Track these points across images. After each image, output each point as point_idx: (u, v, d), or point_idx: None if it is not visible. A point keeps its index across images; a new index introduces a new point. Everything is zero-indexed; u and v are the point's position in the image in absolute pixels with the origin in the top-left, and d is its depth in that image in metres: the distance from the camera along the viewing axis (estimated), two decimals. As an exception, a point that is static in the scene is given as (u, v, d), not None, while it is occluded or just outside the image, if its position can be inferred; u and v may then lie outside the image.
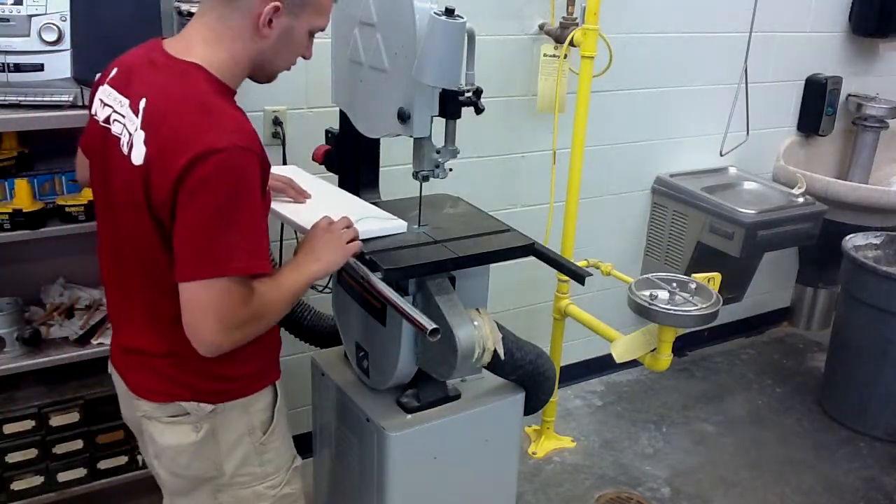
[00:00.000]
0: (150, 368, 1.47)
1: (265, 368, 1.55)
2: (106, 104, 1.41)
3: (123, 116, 1.35)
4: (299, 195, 1.81)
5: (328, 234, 1.56)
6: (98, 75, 1.49)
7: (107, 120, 1.39)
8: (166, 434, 1.48)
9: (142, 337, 1.46)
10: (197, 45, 1.36)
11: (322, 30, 1.47)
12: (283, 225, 2.08)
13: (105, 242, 1.49)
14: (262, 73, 1.45)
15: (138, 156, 1.30)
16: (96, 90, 1.47)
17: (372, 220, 1.74)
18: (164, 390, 1.46)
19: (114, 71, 1.44)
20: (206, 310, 1.28)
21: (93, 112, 1.45)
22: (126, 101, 1.36)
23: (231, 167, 1.25)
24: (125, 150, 1.33)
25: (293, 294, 1.45)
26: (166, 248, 1.32)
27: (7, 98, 1.81)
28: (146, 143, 1.29)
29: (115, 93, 1.39)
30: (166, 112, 1.29)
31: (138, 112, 1.32)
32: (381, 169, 2.09)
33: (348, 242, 1.57)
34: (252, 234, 1.30)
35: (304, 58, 1.49)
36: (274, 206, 1.79)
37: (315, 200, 1.84)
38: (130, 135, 1.32)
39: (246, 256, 1.29)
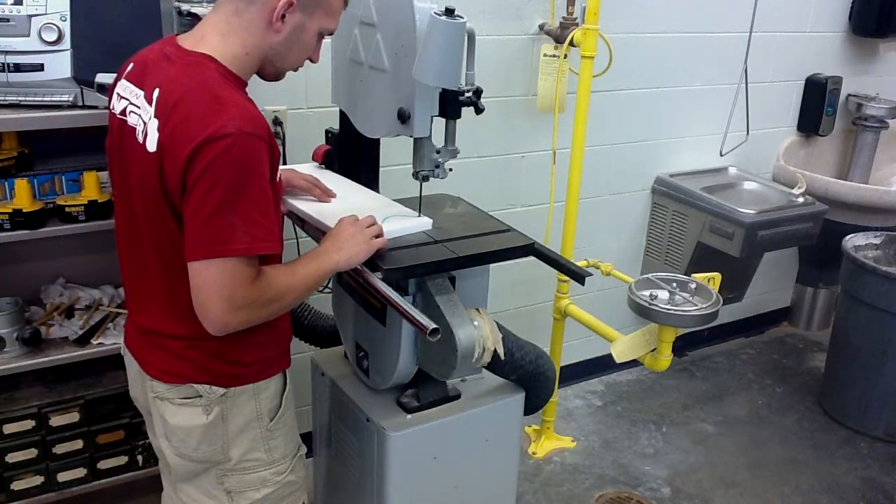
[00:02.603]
0: (165, 350, 1.50)
1: (278, 356, 1.59)
2: (122, 97, 1.46)
3: (139, 107, 1.40)
4: (324, 194, 1.84)
5: (353, 227, 1.61)
6: (114, 77, 1.54)
7: (123, 112, 1.44)
8: (177, 415, 1.51)
9: (159, 319, 1.49)
10: (210, 37, 1.41)
11: (331, 33, 1.52)
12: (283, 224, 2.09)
13: (123, 228, 1.53)
14: (271, 69, 1.49)
15: (152, 143, 1.34)
16: (114, 89, 1.51)
17: (397, 220, 1.76)
18: (178, 372, 1.49)
19: (130, 66, 1.49)
20: (211, 289, 1.32)
21: (111, 108, 1.50)
22: (141, 93, 1.41)
23: (236, 152, 1.29)
24: (140, 138, 1.37)
25: (308, 281, 1.48)
26: (182, 232, 1.36)
27: (7, 98, 1.81)
28: (159, 130, 1.33)
29: (130, 86, 1.44)
30: (178, 100, 1.33)
31: (152, 101, 1.36)
32: (381, 169, 2.09)
33: (374, 239, 1.61)
34: (256, 217, 1.33)
35: (312, 61, 1.53)
36: (298, 204, 1.81)
37: (339, 199, 1.85)
38: (145, 123, 1.37)
39: (248, 238, 1.32)
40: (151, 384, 1.53)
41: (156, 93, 1.36)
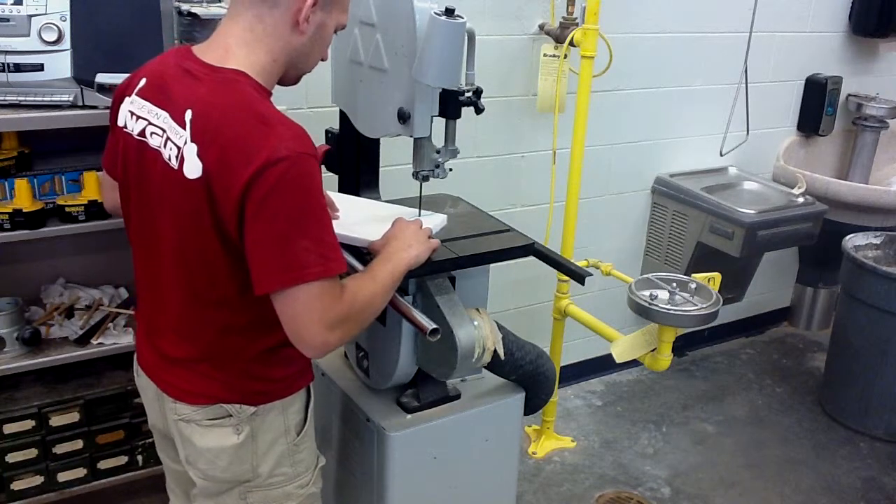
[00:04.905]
0: (192, 371, 1.45)
1: (303, 369, 1.56)
2: (140, 117, 1.38)
3: (164, 130, 1.33)
4: (332, 211, 1.79)
5: (413, 226, 1.62)
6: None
7: (142, 133, 1.37)
8: (206, 437, 1.47)
9: (182, 348, 1.45)
10: (234, 49, 1.35)
11: (343, 28, 1.48)
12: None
13: (140, 253, 1.48)
14: (294, 73, 1.45)
15: (193, 169, 1.28)
16: (119, 101, 1.45)
17: (425, 219, 1.75)
18: (204, 392, 1.45)
19: (142, 81, 1.41)
20: (305, 316, 1.30)
21: (121, 124, 1.43)
22: (164, 113, 1.34)
23: (296, 174, 1.25)
24: (174, 163, 1.31)
25: (389, 283, 1.48)
26: (231, 259, 1.32)
27: (7, 98, 1.80)
28: (201, 155, 1.27)
29: (148, 104, 1.37)
30: (220, 123, 1.27)
31: (185, 124, 1.29)
32: (381, 169, 2.09)
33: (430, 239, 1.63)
34: (325, 237, 1.31)
35: (322, 59, 1.49)
36: None
37: (349, 213, 1.82)
38: (179, 148, 1.30)
39: (320, 260, 1.28)
40: (174, 406, 1.47)
41: (188, 114, 1.29)
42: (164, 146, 1.33)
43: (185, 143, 1.29)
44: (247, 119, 1.27)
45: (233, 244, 1.31)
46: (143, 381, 1.58)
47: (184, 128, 1.30)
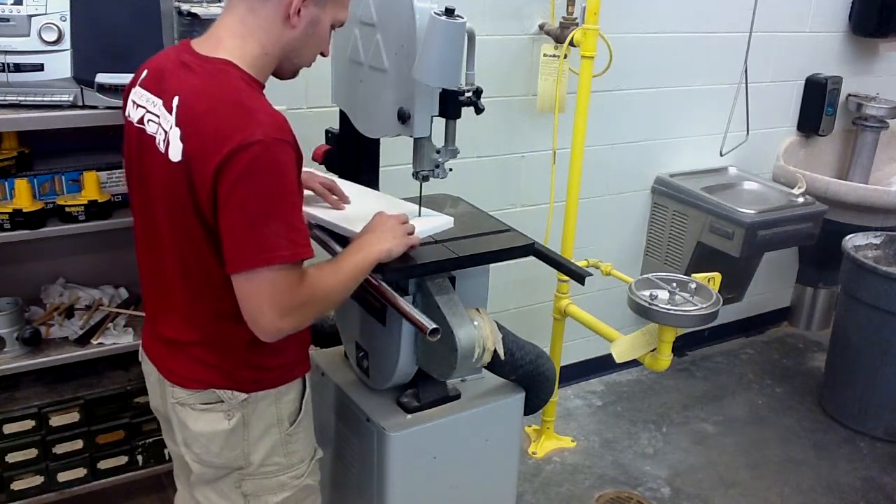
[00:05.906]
0: (187, 356, 1.49)
1: (299, 360, 1.58)
2: (139, 105, 1.44)
3: (157, 116, 1.38)
4: (339, 201, 1.81)
5: (393, 220, 1.62)
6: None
7: (140, 120, 1.42)
8: (199, 422, 1.50)
9: (180, 329, 1.49)
10: (227, 40, 1.39)
11: (342, 24, 1.50)
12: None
13: (143, 240, 1.52)
14: (289, 66, 1.48)
15: (175, 152, 1.32)
16: (128, 95, 1.49)
17: (423, 220, 1.75)
18: (199, 378, 1.48)
19: (144, 73, 1.47)
20: (260, 298, 1.32)
21: (126, 115, 1.49)
22: (159, 101, 1.38)
23: (268, 158, 1.28)
24: (161, 147, 1.35)
25: (354, 275, 1.49)
26: (212, 244, 1.35)
27: (7, 98, 1.81)
28: (183, 139, 1.32)
29: (147, 93, 1.42)
30: (203, 110, 1.31)
31: (172, 110, 1.34)
32: (381, 169, 2.09)
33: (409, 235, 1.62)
34: (294, 222, 1.33)
35: (323, 55, 1.52)
36: (314, 211, 1.78)
37: (357, 205, 1.83)
38: (166, 132, 1.35)
39: (289, 245, 1.31)
40: (172, 390, 1.51)
41: (175, 101, 1.34)
42: (157, 132, 1.37)
43: (171, 127, 1.33)
44: (229, 107, 1.30)
45: (212, 228, 1.34)
46: (147, 367, 1.62)
47: (171, 113, 1.34)
